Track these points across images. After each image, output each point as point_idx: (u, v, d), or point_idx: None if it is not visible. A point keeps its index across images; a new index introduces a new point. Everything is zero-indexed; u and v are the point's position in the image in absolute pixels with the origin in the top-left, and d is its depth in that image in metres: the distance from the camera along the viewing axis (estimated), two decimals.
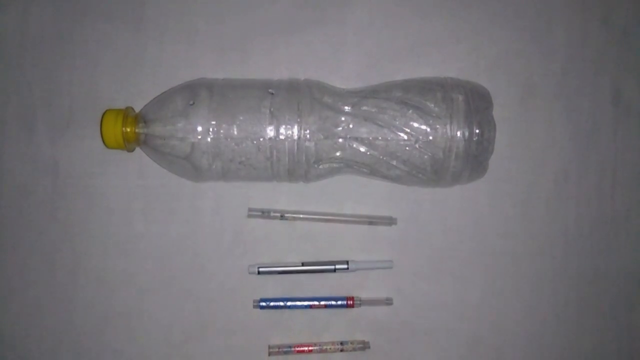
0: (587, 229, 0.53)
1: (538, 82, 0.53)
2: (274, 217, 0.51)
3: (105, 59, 0.52)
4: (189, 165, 0.47)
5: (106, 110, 0.47)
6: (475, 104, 0.46)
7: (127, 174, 0.51)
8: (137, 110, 0.49)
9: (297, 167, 0.47)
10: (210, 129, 0.45)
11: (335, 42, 0.52)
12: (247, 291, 0.51)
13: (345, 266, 0.50)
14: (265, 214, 0.51)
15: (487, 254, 0.52)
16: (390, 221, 0.51)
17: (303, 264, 0.51)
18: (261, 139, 0.45)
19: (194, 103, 0.45)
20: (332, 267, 0.51)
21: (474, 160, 0.46)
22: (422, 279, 0.52)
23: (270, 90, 0.46)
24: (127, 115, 0.47)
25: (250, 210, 0.51)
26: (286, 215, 0.51)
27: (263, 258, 0.51)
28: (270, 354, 0.50)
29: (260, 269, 0.50)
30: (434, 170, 0.46)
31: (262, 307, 0.51)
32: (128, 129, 0.46)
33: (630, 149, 0.53)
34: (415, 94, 0.46)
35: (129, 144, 0.47)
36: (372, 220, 0.51)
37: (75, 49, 0.52)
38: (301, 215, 0.51)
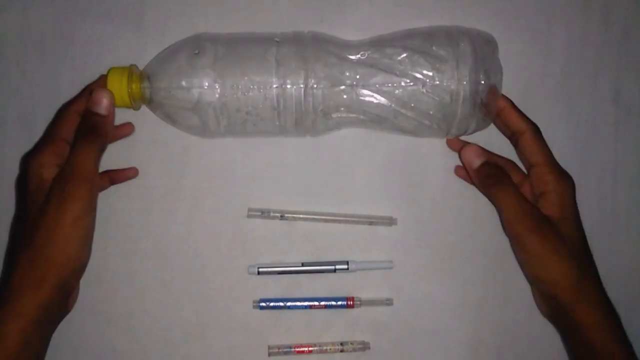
0: (587, 229, 0.53)
1: (538, 82, 0.53)
2: (274, 217, 0.51)
3: (105, 59, 0.52)
4: (195, 117, 0.46)
5: (110, 69, 0.47)
6: (481, 48, 0.46)
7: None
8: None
9: (305, 116, 0.46)
10: (216, 78, 0.45)
11: None
12: (247, 291, 0.51)
13: (345, 266, 0.50)
14: (265, 214, 0.51)
15: (487, 254, 0.52)
16: (390, 221, 0.51)
17: (303, 264, 0.51)
18: (268, 88, 0.45)
19: (198, 52, 0.44)
20: (332, 267, 0.51)
21: (481, 104, 0.46)
22: (422, 279, 0.52)
23: (276, 38, 0.45)
24: (132, 72, 0.47)
25: (250, 210, 0.51)
26: (286, 215, 0.51)
27: (263, 258, 0.51)
28: (270, 354, 0.50)
29: (260, 270, 0.50)
30: (442, 116, 0.46)
31: (262, 308, 0.51)
32: (133, 86, 0.46)
33: (630, 149, 0.53)
34: (421, 40, 0.46)
35: (135, 101, 0.47)
36: (372, 220, 0.51)
37: (75, 49, 0.52)
38: (301, 215, 0.51)
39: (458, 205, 0.52)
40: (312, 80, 0.45)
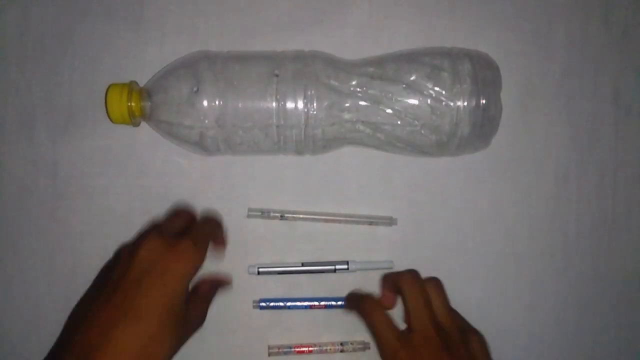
0: (587, 229, 0.53)
1: (538, 82, 0.53)
2: (274, 217, 0.51)
3: (106, 59, 0.52)
4: (197, 147, 0.48)
5: (110, 85, 0.47)
6: (482, 76, 0.46)
7: (127, 174, 0.52)
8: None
9: (305, 148, 0.47)
10: (218, 119, 0.45)
11: (335, 42, 0.52)
12: (247, 291, 0.51)
13: (345, 266, 0.50)
14: (265, 214, 0.51)
15: (487, 254, 0.52)
16: (390, 221, 0.51)
17: (303, 264, 0.51)
18: (268, 127, 0.45)
19: (197, 90, 0.44)
20: (332, 267, 0.51)
21: (479, 138, 0.47)
22: None
23: (275, 72, 0.45)
24: (132, 89, 0.47)
25: (250, 210, 0.51)
26: (286, 215, 0.51)
27: (263, 258, 0.51)
28: (270, 354, 0.50)
29: (260, 270, 0.50)
30: (440, 150, 0.47)
31: (262, 308, 0.51)
32: (133, 104, 0.46)
33: (630, 149, 0.53)
34: (422, 77, 0.46)
35: (134, 119, 0.47)
36: (372, 221, 0.51)
37: (75, 49, 0.52)
38: (301, 216, 0.51)
39: (458, 206, 0.52)
40: (313, 120, 0.45)
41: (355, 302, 0.49)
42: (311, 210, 0.51)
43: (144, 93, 0.47)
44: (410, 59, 0.47)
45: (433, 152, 0.48)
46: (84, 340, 0.39)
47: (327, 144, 0.47)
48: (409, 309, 0.45)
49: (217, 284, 0.49)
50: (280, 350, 0.50)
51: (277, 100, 0.45)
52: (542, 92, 0.53)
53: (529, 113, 0.53)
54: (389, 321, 0.46)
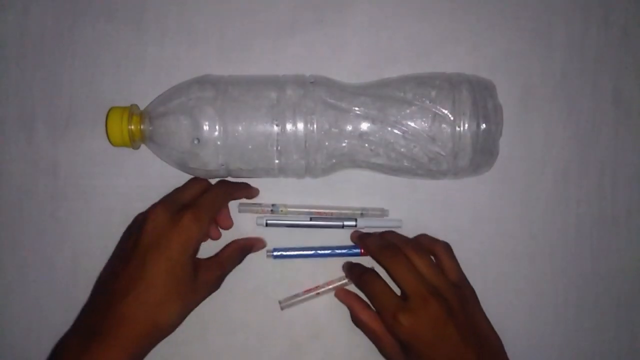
0: (587, 229, 0.53)
1: (538, 82, 0.53)
2: (265, 211, 0.51)
3: (106, 59, 0.52)
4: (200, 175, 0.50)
5: (111, 108, 0.47)
6: (483, 109, 0.46)
7: (127, 174, 0.52)
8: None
9: (305, 176, 0.49)
10: (221, 164, 0.46)
11: (335, 43, 0.52)
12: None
13: (354, 223, 0.50)
14: (256, 205, 0.51)
15: (487, 254, 0.52)
16: (381, 212, 0.51)
17: (311, 219, 0.51)
18: (270, 169, 0.47)
19: (199, 142, 0.45)
20: (340, 223, 0.50)
21: (480, 162, 0.47)
22: None
23: (275, 122, 0.45)
24: (133, 113, 0.47)
25: (241, 204, 0.51)
26: (277, 207, 0.51)
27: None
28: (282, 308, 0.51)
29: (269, 222, 0.50)
30: (441, 173, 0.47)
31: (275, 257, 0.51)
32: (133, 127, 0.46)
33: (630, 149, 0.53)
34: (422, 115, 0.46)
35: (134, 141, 0.47)
36: (363, 212, 0.51)
37: (75, 49, 0.52)
38: (291, 209, 0.51)
39: (458, 205, 0.52)
40: (313, 164, 0.47)
41: (355, 273, 0.49)
42: (304, 204, 0.51)
43: (145, 116, 0.47)
44: (410, 102, 0.47)
45: (434, 174, 0.48)
46: (100, 308, 0.43)
47: (327, 173, 0.49)
48: (396, 279, 0.46)
49: (243, 249, 0.50)
50: (289, 301, 0.51)
51: (279, 152, 0.46)
52: (542, 92, 0.53)
53: (529, 113, 0.53)
54: (388, 289, 0.46)
